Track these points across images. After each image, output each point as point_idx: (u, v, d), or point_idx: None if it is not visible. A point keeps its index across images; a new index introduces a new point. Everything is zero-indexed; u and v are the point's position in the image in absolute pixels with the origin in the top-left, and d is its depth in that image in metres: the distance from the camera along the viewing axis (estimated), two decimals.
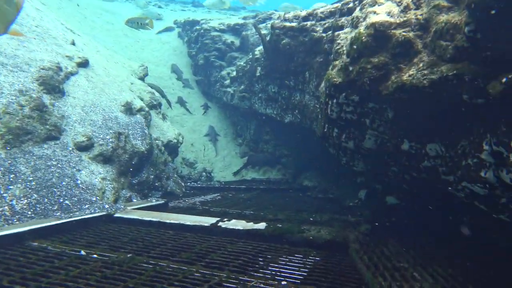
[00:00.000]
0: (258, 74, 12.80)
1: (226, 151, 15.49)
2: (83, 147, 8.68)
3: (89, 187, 7.88)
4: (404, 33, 5.09)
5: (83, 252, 5.40)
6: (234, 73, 15.53)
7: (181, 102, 17.23)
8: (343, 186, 10.62)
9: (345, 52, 6.12)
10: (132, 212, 7.59)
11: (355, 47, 5.57)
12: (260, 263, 5.39)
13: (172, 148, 12.26)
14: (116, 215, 7.34)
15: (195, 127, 16.34)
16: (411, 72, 4.79)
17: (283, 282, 4.74)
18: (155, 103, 12.90)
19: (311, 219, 7.64)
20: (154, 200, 8.86)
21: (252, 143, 15.14)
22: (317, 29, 9.53)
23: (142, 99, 12.12)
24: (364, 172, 6.84)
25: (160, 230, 6.79)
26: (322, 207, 9.05)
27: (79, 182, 7.84)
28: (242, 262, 5.36)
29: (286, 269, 5.20)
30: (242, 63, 15.06)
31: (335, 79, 5.89)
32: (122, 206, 7.82)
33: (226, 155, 15.22)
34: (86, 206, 7.31)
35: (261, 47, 12.89)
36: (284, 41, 10.34)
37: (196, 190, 11.76)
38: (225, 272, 4.97)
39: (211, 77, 17.60)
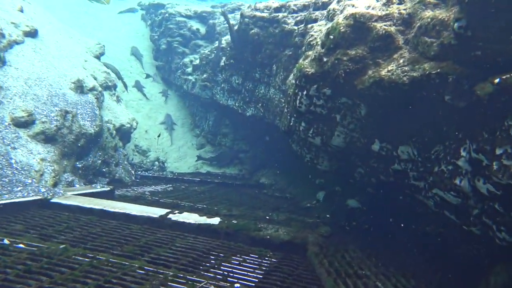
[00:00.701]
0: (222, 64, 12.25)
1: (182, 141, 14.79)
2: (22, 123, 7.77)
3: (25, 168, 7.02)
4: (385, 27, 4.79)
5: (6, 241, 4.66)
6: (197, 61, 14.87)
7: (138, 86, 16.31)
8: (300, 186, 10.35)
9: (319, 43, 5.75)
10: (72, 198, 6.84)
11: (331, 37, 5.21)
12: (212, 261, 4.92)
13: (125, 133, 11.44)
14: (53, 200, 6.58)
15: (151, 113, 15.51)
16: (390, 68, 4.49)
17: (236, 285, 4.30)
18: (109, 84, 11.99)
19: (267, 217, 7.25)
20: (99, 187, 8.10)
21: (210, 135, 14.56)
22: (289, 21, 9.16)
23: (95, 78, 11.19)
24: (328, 172, 6.51)
25: (102, 220, 6.13)
26: (279, 206, 8.69)
27: (13, 161, 6.97)
28: (192, 260, 4.86)
29: (240, 269, 4.76)
30: (206, 51, 14.42)
31: (307, 70, 5.50)
32: (61, 191, 7.04)
33: (182, 146, 14.52)
34: (19, 188, 6.48)
35: (228, 37, 12.34)
36: (253, 31, 9.88)
37: (147, 179, 11.06)
38: (171, 270, 4.45)
39: (172, 64, 16.80)
